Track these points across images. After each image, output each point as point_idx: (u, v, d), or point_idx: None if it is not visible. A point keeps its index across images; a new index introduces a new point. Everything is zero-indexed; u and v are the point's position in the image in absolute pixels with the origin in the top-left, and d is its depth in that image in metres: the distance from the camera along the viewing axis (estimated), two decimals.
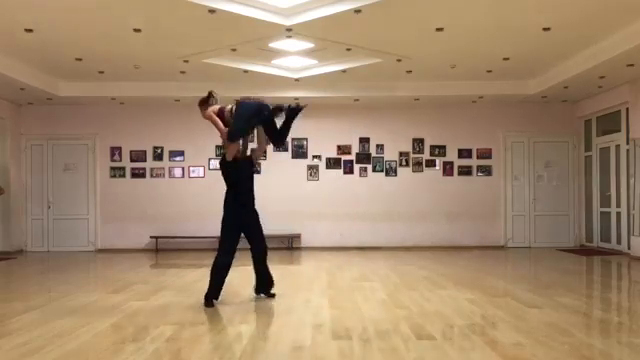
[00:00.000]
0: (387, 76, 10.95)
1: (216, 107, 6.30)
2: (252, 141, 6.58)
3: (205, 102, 6.29)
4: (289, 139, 12.56)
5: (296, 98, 10.65)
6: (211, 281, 6.17)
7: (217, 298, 6.12)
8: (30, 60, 9.79)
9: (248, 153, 6.42)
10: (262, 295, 6.44)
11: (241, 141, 6.28)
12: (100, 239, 12.71)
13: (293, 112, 6.20)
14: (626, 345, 4.53)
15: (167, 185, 12.75)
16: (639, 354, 4.22)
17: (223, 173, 6.29)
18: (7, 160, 12.10)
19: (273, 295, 6.44)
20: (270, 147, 12.63)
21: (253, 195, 6.36)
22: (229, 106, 6.31)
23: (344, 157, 12.87)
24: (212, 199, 12.69)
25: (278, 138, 6.40)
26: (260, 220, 6.42)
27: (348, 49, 9.16)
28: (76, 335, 4.77)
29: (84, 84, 11.38)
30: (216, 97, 6.33)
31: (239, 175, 6.24)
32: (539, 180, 12.84)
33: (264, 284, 6.46)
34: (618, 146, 11.38)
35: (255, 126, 6.31)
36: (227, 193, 6.27)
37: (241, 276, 8.39)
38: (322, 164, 12.84)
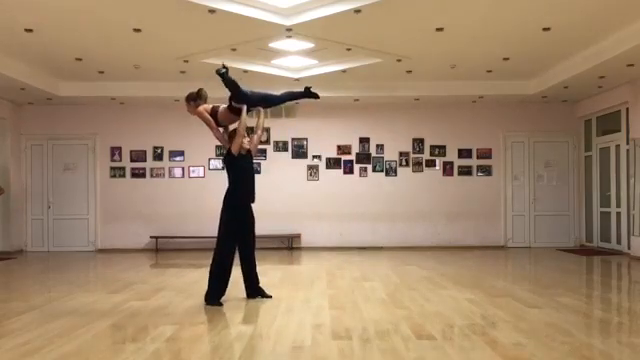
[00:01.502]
0: (387, 76, 10.95)
1: (208, 106, 6.38)
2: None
3: (193, 98, 6.34)
4: (289, 139, 12.74)
5: None
6: (213, 282, 6.14)
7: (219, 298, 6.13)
8: (30, 60, 9.79)
9: (246, 145, 6.34)
10: (259, 297, 6.40)
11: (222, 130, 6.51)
12: (100, 239, 12.71)
13: (306, 94, 6.51)
14: (626, 345, 4.53)
15: (167, 185, 12.75)
16: (639, 354, 4.22)
17: (228, 169, 6.29)
18: (7, 160, 12.10)
19: (270, 296, 6.41)
20: (271, 148, 12.70)
21: (253, 189, 6.35)
22: (222, 106, 6.35)
23: (344, 157, 12.86)
24: (212, 199, 12.73)
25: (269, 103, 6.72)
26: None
27: (348, 49, 9.16)
28: (76, 335, 4.77)
29: (84, 84, 11.38)
30: (205, 95, 6.37)
31: (243, 170, 6.25)
32: (539, 180, 12.84)
33: (254, 286, 6.43)
34: (618, 146, 11.38)
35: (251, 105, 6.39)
36: (229, 190, 6.25)
37: (242, 275, 8.40)
38: (322, 164, 12.84)
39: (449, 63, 10.11)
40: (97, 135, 12.73)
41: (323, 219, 12.63)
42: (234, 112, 6.31)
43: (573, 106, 12.65)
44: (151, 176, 12.77)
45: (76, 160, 12.73)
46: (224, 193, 6.28)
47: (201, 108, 6.35)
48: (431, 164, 12.85)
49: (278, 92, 6.79)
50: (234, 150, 6.22)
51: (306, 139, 12.77)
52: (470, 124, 12.79)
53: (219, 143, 13.31)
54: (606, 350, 4.31)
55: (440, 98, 12.08)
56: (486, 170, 12.83)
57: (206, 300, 6.10)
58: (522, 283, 7.71)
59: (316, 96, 6.60)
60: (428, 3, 7.15)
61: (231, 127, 6.65)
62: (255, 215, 6.48)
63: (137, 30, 8.04)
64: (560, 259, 10.55)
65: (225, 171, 6.45)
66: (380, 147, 12.87)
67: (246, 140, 6.32)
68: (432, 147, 12.86)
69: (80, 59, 9.66)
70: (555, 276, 8.42)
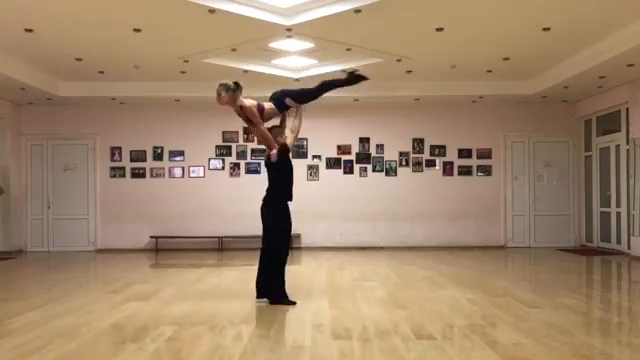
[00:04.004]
0: (387, 76, 10.94)
1: (253, 102, 6.09)
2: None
3: (233, 88, 5.92)
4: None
5: None
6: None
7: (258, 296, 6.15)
8: (30, 60, 9.79)
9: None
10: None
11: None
12: (100, 239, 12.71)
13: (351, 81, 6.51)
14: (626, 345, 4.53)
15: (167, 185, 12.75)
16: (639, 354, 4.22)
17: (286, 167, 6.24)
18: (7, 160, 12.10)
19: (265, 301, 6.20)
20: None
21: (272, 190, 6.23)
22: (268, 104, 6.19)
23: (344, 157, 12.87)
24: (212, 199, 12.81)
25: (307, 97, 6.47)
26: (273, 220, 6.16)
27: (348, 49, 9.16)
28: (76, 335, 4.77)
29: (84, 84, 11.39)
30: (241, 88, 6.08)
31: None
32: (539, 180, 12.84)
33: (263, 287, 6.21)
34: (618, 146, 11.38)
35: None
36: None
37: (242, 275, 8.40)
38: (322, 164, 12.84)
39: (449, 63, 10.11)
40: (97, 135, 12.73)
41: (323, 219, 12.63)
42: (280, 110, 6.29)
43: (573, 106, 12.65)
44: (151, 176, 12.77)
45: (76, 160, 12.73)
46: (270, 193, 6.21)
47: (248, 103, 6.03)
48: (431, 164, 12.85)
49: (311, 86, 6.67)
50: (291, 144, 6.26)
51: (306, 139, 12.75)
52: (470, 124, 12.79)
53: (219, 143, 13.38)
54: (606, 350, 4.31)
55: (440, 98, 12.07)
56: (486, 170, 12.83)
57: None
58: (522, 283, 7.71)
59: (364, 77, 6.48)
60: (428, 3, 7.15)
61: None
62: (254, 215, 6.45)
63: (137, 30, 8.04)
64: (560, 259, 10.55)
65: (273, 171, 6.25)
66: (380, 147, 12.87)
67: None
68: (432, 147, 12.86)
69: (80, 59, 9.66)
70: (555, 276, 8.42)
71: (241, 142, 12.80)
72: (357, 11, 7.24)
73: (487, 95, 11.87)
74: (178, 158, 12.82)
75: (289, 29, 8.00)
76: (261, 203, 6.21)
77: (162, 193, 12.70)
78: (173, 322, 5.24)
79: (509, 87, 11.62)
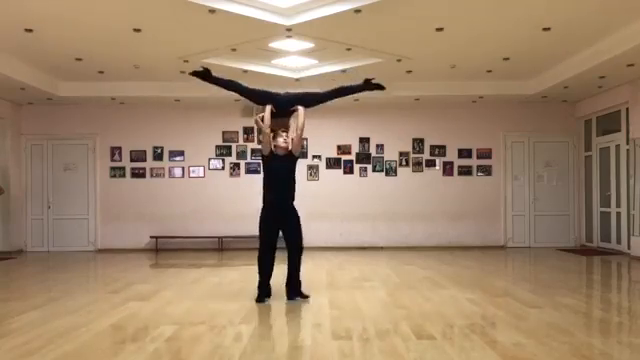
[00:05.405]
0: (387, 76, 10.90)
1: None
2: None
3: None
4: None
5: None
6: (259, 280, 6.36)
7: (262, 295, 6.25)
8: (30, 60, 9.79)
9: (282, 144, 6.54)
10: (298, 298, 6.43)
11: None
12: (100, 239, 12.71)
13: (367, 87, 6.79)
14: (626, 345, 4.53)
15: (167, 185, 12.75)
16: (639, 354, 4.22)
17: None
18: (7, 160, 12.10)
19: (307, 296, 6.50)
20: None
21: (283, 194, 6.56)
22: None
23: (344, 157, 12.87)
24: (212, 199, 12.81)
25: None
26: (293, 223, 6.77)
27: (348, 49, 9.16)
28: (76, 335, 4.77)
29: (84, 84, 11.38)
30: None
31: (270, 170, 6.50)
32: (539, 180, 12.85)
33: (290, 287, 6.51)
34: (618, 146, 11.38)
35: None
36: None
37: (242, 275, 8.41)
38: (322, 164, 12.84)
39: (449, 63, 10.11)
40: (97, 135, 12.73)
41: (323, 219, 12.62)
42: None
43: (573, 106, 12.65)
44: (151, 176, 12.77)
45: (76, 160, 12.73)
46: None
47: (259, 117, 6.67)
48: (431, 164, 12.85)
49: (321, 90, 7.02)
50: (263, 151, 6.43)
51: (306, 139, 12.75)
52: (470, 124, 12.79)
53: (219, 143, 13.42)
54: (606, 350, 4.31)
55: (440, 98, 12.07)
56: (486, 170, 12.84)
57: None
58: (522, 283, 7.71)
59: (380, 87, 6.76)
60: (428, 3, 7.15)
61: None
62: (255, 215, 6.50)
63: (137, 30, 8.04)
64: (560, 259, 10.55)
65: None
66: (380, 147, 12.87)
67: (281, 140, 6.50)
68: (432, 147, 12.86)
69: (80, 59, 9.66)
70: (555, 276, 8.42)
71: (241, 142, 12.80)
72: (357, 11, 7.23)
73: (487, 95, 11.87)
74: (178, 158, 12.82)
75: (289, 29, 8.00)
76: (263, 204, 6.56)
77: (162, 193, 12.70)
78: (173, 322, 5.24)
79: (509, 87, 11.62)
